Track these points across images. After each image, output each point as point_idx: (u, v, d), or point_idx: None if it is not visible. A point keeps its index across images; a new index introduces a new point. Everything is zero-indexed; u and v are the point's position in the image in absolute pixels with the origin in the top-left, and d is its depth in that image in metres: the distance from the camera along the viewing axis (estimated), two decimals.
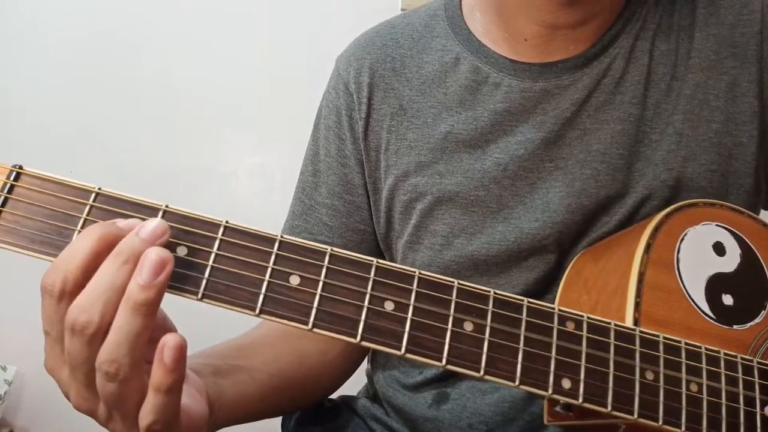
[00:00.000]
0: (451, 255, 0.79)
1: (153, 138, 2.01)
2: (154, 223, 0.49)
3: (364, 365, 0.95)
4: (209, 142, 2.04)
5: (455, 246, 0.79)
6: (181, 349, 0.47)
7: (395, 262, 0.61)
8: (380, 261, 0.52)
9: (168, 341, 0.46)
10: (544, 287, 0.78)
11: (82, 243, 0.47)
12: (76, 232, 0.49)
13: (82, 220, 0.50)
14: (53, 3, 2.03)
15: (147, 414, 0.48)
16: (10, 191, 0.50)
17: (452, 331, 0.52)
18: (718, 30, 0.78)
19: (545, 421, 0.61)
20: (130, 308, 0.46)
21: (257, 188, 2.05)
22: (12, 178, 0.50)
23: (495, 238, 0.77)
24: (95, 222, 0.50)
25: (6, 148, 1.87)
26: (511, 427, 0.77)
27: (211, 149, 2.05)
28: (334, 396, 0.92)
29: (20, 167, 0.50)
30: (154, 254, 0.46)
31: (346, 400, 0.93)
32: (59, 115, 1.99)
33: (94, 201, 0.50)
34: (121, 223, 0.49)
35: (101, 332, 0.46)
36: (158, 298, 0.47)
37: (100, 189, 0.50)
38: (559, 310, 0.55)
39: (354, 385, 0.94)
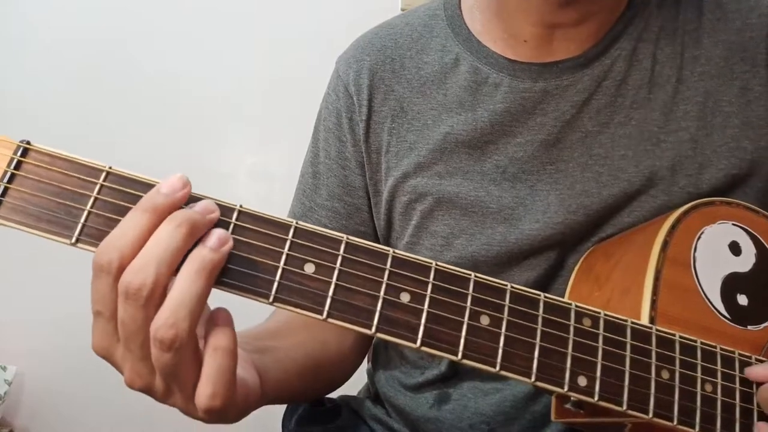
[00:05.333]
0: (451, 256, 0.78)
1: (153, 138, 2.01)
2: (206, 201, 0.50)
3: (365, 365, 0.95)
4: (209, 142, 2.04)
5: (455, 247, 0.78)
6: (228, 314, 0.49)
7: None
8: (397, 251, 0.51)
9: (215, 309, 0.50)
10: (545, 285, 0.77)
11: (135, 217, 0.47)
12: (86, 211, 0.48)
13: (92, 200, 0.48)
14: (53, 3, 2.04)
15: (205, 384, 0.48)
16: (17, 168, 0.49)
17: (468, 324, 0.51)
18: (726, 35, 0.77)
19: (552, 418, 0.61)
20: (196, 269, 0.47)
21: (257, 188, 2.04)
22: (19, 153, 0.49)
23: (495, 239, 0.77)
24: (106, 201, 0.49)
25: None
26: (513, 427, 0.76)
27: (211, 149, 2.05)
28: (334, 396, 0.92)
29: (28, 142, 0.49)
30: (220, 230, 0.49)
31: (347, 400, 0.93)
32: (59, 115, 1.99)
33: (104, 180, 0.49)
34: (165, 189, 0.49)
35: (156, 295, 0.46)
36: (220, 264, 0.48)
37: (111, 168, 0.49)
38: (576, 306, 0.54)
39: (354, 385, 0.93)
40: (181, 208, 0.49)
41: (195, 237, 0.48)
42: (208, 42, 2.06)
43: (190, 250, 0.47)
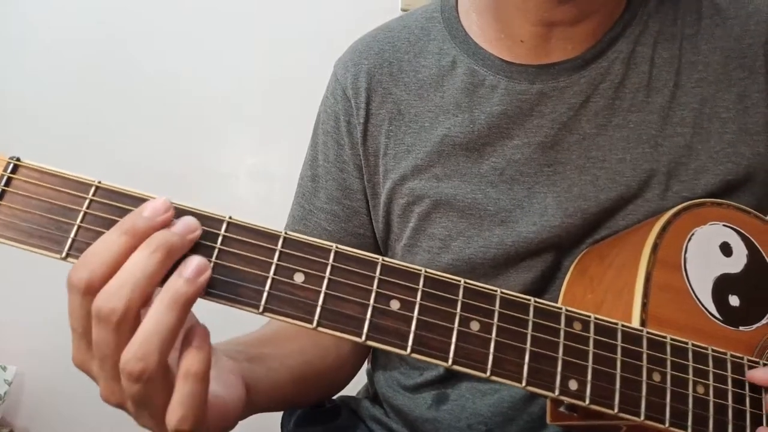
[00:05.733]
0: (449, 258, 0.78)
1: (153, 138, 2.01)
2: (188, 219, 0.49)
3: (365, 365, 0.95)
4: (209, 142, 2.05)
5: (453, 249, 0.78)
6: (206, 333, 0.48)
7: None
8: (386, 259, 0.51)
9: (193, 327, 0.48)
10: (542, 287, 0.77)
11: (112, 238, 0.47)
12: (76, 226, 0.49)
13: (81, 214, 0.49)
14: (53, 3, 2.04)
15: (175, 408, 0.47)
16: (7, 184, 0.49)
17: (459, 330, 0.51)
18: (725, 42, 0.77)
19: (548, 421, 0.61)
20: (167, 301, 0.46)
21: (257, 188, 2.04)
22: (9, 170, 0.49)
23: (492, 242, 0.77)
24: (95, 216, 0.49)
25: (5, 148, 1.85)
26: (511, 428, 0.76)
27: (211, 150, 2.05)
28: (333, 396, 0.92)
29: (18, 159, 0.49)
30: (198, 258, 0.48)
31: (346, 401, 0.93)
32: (59, 115, 1.99)
33: (93, 195, 0.49)
34: (146, 212, 0.48)
35: (128, 320, 0.46)
36: (195, 296, 0.47)
37: (99, 182, 0.49)
38: (567, 310, 0.54)
39: (354, 385, 0.93)
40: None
41: (173, 260, 0.47)
42: (208, 42, 2.06)
43: (169, 274, 0.47)
